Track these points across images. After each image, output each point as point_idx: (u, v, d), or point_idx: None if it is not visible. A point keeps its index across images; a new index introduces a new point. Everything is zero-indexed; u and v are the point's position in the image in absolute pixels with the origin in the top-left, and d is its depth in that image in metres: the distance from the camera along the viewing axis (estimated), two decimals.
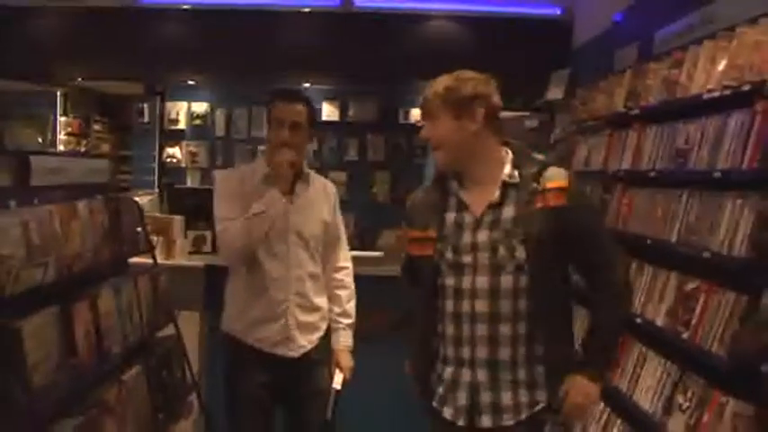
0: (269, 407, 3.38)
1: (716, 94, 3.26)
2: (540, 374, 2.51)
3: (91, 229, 2.82)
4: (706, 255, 3.14)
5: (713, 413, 3.04)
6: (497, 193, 2.53)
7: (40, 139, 8.42)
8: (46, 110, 8.74)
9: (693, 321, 3.19)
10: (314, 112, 3.42)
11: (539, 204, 2.46)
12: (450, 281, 2.53)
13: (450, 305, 2.54)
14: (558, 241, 2.45)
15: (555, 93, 6.67)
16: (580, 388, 2.47)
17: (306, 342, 3.31)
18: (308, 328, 3.34)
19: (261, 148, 9.35)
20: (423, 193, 2.73)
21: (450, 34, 8.03)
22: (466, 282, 2.51)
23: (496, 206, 2.52)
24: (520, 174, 2.53)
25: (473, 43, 7.91)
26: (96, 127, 9.30)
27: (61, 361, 2.33)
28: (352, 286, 3.56)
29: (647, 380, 3.52)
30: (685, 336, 3.18)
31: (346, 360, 3.42)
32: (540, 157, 2.71)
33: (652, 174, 3.84)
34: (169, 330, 3.54)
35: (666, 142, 3.74)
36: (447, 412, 2.55)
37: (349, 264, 3.59)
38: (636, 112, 4.21)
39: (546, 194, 2.47)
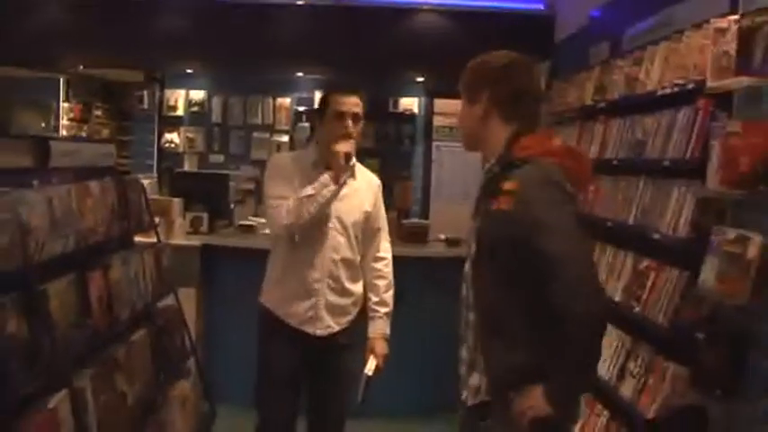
0: (296, 381, 3.49)
1: (667, 90, 3.59)
2: None
3: (102, 207, 3.11)
4: (656, 236, 3.46)
5: (657, 377, 3.38)
6: (482, 185, 2.44)
7: (43, 124, 8.62)
8: (49, 96, 8.91)
9: (644, 296, 3.52)
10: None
11: (494, 205, 2.28)
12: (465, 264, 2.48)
13: (462, 287, 2.48)
14: (504, 246, 2.26)
15: None
16: (528, 398, 2.21)
17: (334, 323, 3.41)
18: (337, 310, 3.44)
19: (256, 135, 9.61)
20: None
21: (437, 27, 8.17)
22: (466, 266, 2.46)
23: (482, 197, 2.41)
24: (494, 168, 2.37)
25: (459, 36, 8.03)
26: (97, 113, 9.49)
27: (78, 320, 2.64)
28: (391, 277, 3.63)
29: (606, 350, 3.72)
30: (637, 309, 3.49)
31: (381, 347, 3.49)
32: (528, 151, 2.33)
33: (615, 162, 4.14)
34: (170, 301, 3.85)
35: (627, 134, 4.04)
36: None
37: (389, 255, 3.65)
38: (602, 105, 4.53)
39: (499, 197, 2.26)
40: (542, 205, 2.16)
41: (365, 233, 3.55)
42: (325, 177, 3.28)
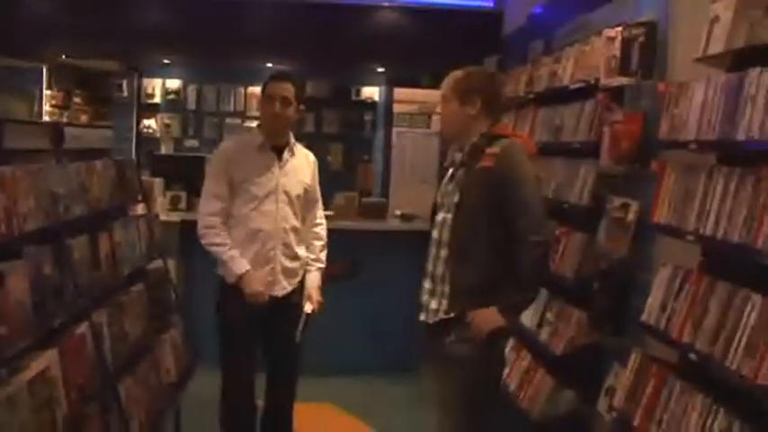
0: (253, 335, 3.81)
1: (577, 86, 4.28)
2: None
3: (105, 182, 3.66)
4: (566, 206, 4.16)
5: (565, 321, 4.08)
6: (464, 156, 3.15)
7: (26, 111, 8.97)
8: (33, 84, 9.10)
9: (557, 257, 4.22)
10: (300, 91, 3.80)
11: (478, 165, 3.04)
12: (437, 216, 3.20)
13: (434, 233, 3.19)
14: (481, 194, 3.00)
15: None
16: (485, 314, 2.96)
17: (288, 285, 3.78)
18: (290, 272, 3.80)
19: (228, 120, 10.11)
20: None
21: (396, 23, 8.53)
22: (440, 215, 3.17)
23: (462, 165, 3.15)
24: (480, 142, 3.09)
25: (416, 31, 8.42)
26: (76, 100, 9.69)
27: (91, 272, 3.24)
28: (325, 238, 4.02)
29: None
30: (552, 268, 4.14)
31: (317, 295, 3.86)
32: (502, 131, 3.19)
33: (539, 145, 4.81)
34: (159, 264, 4.43)
35: (549, 121, 4.72)
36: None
37: (323, 220, 4.05)
38: (531, 96, 5.16)
39: (484, 159, 3.03)
40: (516, 165, 3.00)
41: (305, 203, 3.90)
42: (241, 268, 3.63)
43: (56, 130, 3.51)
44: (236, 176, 3.72)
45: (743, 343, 2.38)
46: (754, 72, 2.51)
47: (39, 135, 3.37)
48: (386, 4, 8.50)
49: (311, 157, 4.02)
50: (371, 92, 10.30)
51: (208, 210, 3.74)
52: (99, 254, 3.36)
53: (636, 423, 2.95)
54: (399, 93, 9.68)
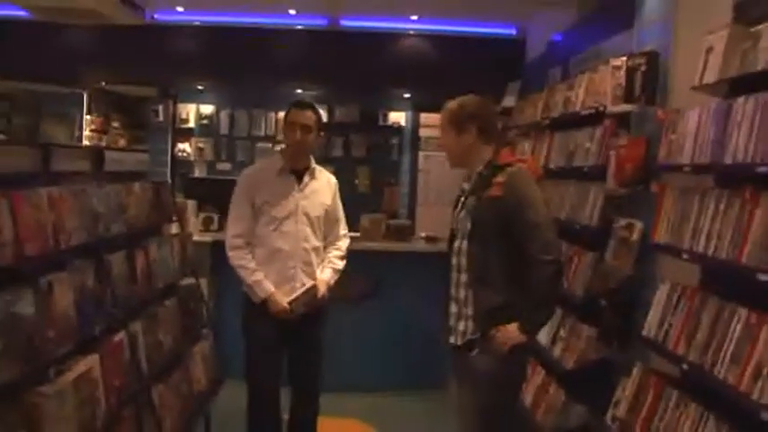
0: (278, 350, 3.96)
1: (587, 112, 4.47)
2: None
3: (142, 202, 3.92)
4: (577, 227, 4.35)
5: (576, 337, 4.25)
6: (472, 185, 3.27)
7: (67, 135, 9.34)
8: (74, 109, 9.50)
9: (570, 276, 4.40)
10: (321, 118, 4.03)
11: (486, 194, 3.16)
12: (454, 243, 3.31)
13: (452, 260, 3.32)
14: (492, 221, 3.11)
15: (509, 101, 7.59)
16: (506, 331, 3.10)
17: None
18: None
19: (259, 145, 10.39)
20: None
21: (422, 50, 8.88)
22: (457, 243, 3.29)
23: (471, 193, 3.26)
24: (486, 172, 3.20)
25: (441, 58, 8.78)
26: (114, 124, 10.09)
27: (128, 286, 3.48)
28: (344, 251, 4.15)
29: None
30: (567, 287, 4.33)
31: (323, 287, 3.95)
32: (508, 159, 3.25)
33: (554, 168, 4.97)
34: (191, 281, 4.66)
35: (563, 146, 4.90)
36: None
37: (346, 237, 4.20)
38: (547, 122, 5.35)
39: (492, 187, 3.14)
40: (524, 191, 3.12)
41: (326, 223, 4.06)
42: (264, 292, 3.82)
43: (97, 153, 3.73)
44: (258, 199, 3.92)
45: (729, 353, 2.56)
46: (740, 100, 2.70)
47: (81, 158, 3.58)
48: (412, 31, 8.77)
49: (332, 179, 4.19)
50: (398, 117, 10.50)
51: (233, 232, 3.96)
52: (135, 269, 3.59)
53: (637, 431, 3.12)
54: (425, 117, 10.10)
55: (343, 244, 4.20)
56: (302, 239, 3.96)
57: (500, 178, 3.14)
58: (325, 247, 4.11)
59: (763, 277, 2.36)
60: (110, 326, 3.14)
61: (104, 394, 2.86)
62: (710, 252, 2.76)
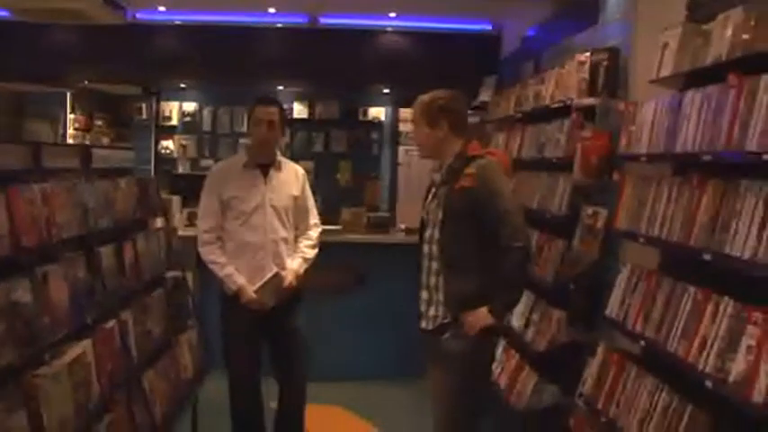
0: (255, 340, 4.08)
1: (555, 105, 4.66)
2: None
3: (129, 198, 4.06)
4: (548, 215, 4.54)
5: (547, 321, 4.45)
6: (443, 176, 3.40)
7: (51, 133, 9.44)
8: (57, 108, 9.59)
9: (541, 262, 4.59)
10: (284, 114, 4.13)
11: (457, 185, 3.29)
12: (425, 232, 3.46)
13: (423, 248, 3.46)
14: (463, 210, 3.25)
15: (485, 95, 7.67)
16: (477, 315, 3.23)
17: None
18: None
19: (242, 141, 10.47)
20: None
21: (400, 46, 8.96)
22: (428, 232, 3.42)
23: (442, 184, 3.39)
24: (456, 164, 3.33)
25: (420, 54, 8.87)
26: (98, 123, 10.19)
27: (117, 277, 3.63)
28: (315, 239, 4.24)
29: (519, 307, 4.66)
30: (536, 272, 4.51)
31: (290, 276, 4.04)
32: (477, 151, 3.39)
33: (526, 160, 5.18)
34: (176, 273, 4.81)
35: (535, 138, 5.09)
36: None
37: (316, 224, 4.29)
38: (519, 115, 5.55)
39: (463, 178, 3.27)
40: (494, 182, 3.27)
41: (296, 213, 4.17)
42: (234, 284, 3.96)
43: (85, 151, 3.89)
44: (225, 194, 4.04)
45: (680, 328, 2.76)
46: (689, 93, 2.90)
47: (70, 156, 3.74)
48: (390, 28, 8.88)
49: (300, 170, 4.29)
50: (378, 112, 10.67)
51: (203, 227, 4.11)
52: (124, 261, 3.74)
53: (600, 406, 3.32)
54: (404, 113, 10.20)
55: (314, 233, 4.29)
56: (270, 231, 4.06)
57: (471, 169, 3.27)
58: (296, 238, 4.21)
59: (707, 257, 2.56)
60: (101, 314, 3.30)
61: (97, 378, 3.02)
62: (664, 236, 2.96)
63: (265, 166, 4.12)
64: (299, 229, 4.24)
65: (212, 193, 4.10)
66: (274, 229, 4.08)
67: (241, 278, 4.00)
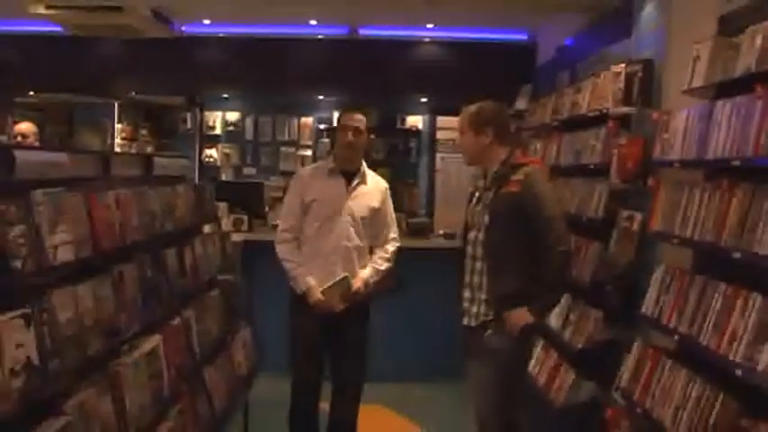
0: (318, 344, 4.18)
1: (592, 114, 4.85)
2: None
3: (187, 203, 4.32)
4: (584, 219, 4.71)
5: (585, 320, 4.62)
6: (488, 182, 3.63)
7: (99, 142, 9.78)
8: (105, 118, 9.93)
9: (578, 264, 4.77)
10: (368, 122, 4.25)
11: (503, 190, 3.53)
12: (468, 234, 3.71)
13: (468, 249, 3.71)
14: (509, 214, 3.48)
15: (521, 103, 7.95)
16: (518, 314, 3.48)
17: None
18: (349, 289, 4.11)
19: (283, 149, 10.68)
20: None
21: (438, 56, 9.22)
22: (473, 234, 3.67)
23: (488, 189, 3.62)
24: (503, 170, 3.57)
25: (457, 63, 9.12)
26: (143, 132, 10.51)
27: (179, 278, 3.87)
28: (390, 253, 4.30)
29: (558, 308, 4.92)
30: (576, 274, 4.70)
31: (359, 282, 4.14)
32: (522, 160, 3.66)
33: (563, 166, 5.38)
34: (229, 276, 5.05)
35: (571, 145, 5.29)
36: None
37: (395, 239, 4.35)
38: (556, 123, 5.74)
39: (509, 184, 3.51)
40: (539, 188, 3.51)
41: (374, 225, 4.23)
42: (304, 285, 4.07)
43: (147, 160, 4.14)
44: (307, 197, 4.15)
45: (712, 323, 2.94)
46: (720, 103, 3.08)
47: (135, 164, 4.00)
48: (428, 39, 9.11)
49: (383, 183, 4.38)
50: (416, 120, 10.81)
51: (283, 226, 4.24)
52: (185, 263, 3.97)
53: (636, 397, 3.50)
54: (442, 121, 10.39)
55: (391, 247, 4.34)
56: (344, 238, 4.14)
57: (518, 176, 3.50)
58: (372, 249, 4.28)
59: (737, 255, 2.74)
60: (167, 312, 3.55)
61: (167, 369, 3.26)
62: (696, 236, 3.14)
63: (350, 175, 4.21)
64: (378, 240, 4.31)
65: (296, 194, 4.22)
66: (349, 236, 4.16)
67: (311, 280, 4.10)
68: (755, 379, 2.55)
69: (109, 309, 2.79)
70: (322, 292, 4.10)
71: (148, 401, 2.98)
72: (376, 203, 4.27)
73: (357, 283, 4.15)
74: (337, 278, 4.11)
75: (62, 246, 2.49)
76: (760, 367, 2.54)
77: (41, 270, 2.34)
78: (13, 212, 2.23)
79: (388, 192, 4.40)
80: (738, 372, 2.63)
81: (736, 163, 2.83)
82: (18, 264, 2.20)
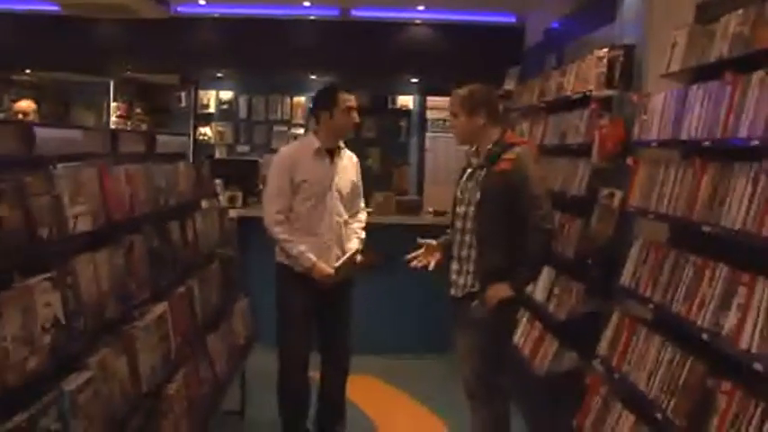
0: (311, 316, 4.33)
1: (576, 96, 5.04)
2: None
3: (187, 180, 4.49)
4: (568, 197, 4.91)
5: (568, 293, 4.84)
6: (481, 160, 3.81)
7: (95, 120, 9.93)
8: (101, 97, 10.12)
9: (562, 240, 4.97)
10: None
11: (495, 168, 3.72)
12: (458, 208, 3.90)
13: (457, 223, 3.90)
14: (500, 191, 3.67)
15: (509, 84, 8.08)
16: (498, 288, 3.70)
17: None
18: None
19: (276, 128, 10.87)
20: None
21: (428, 37, 9.35)
22: (462, 209, 3.86)
23: (480, 167, 3.82)
24: (496, 149, 3.76)
25: (447, 44, 9.25)
26: (137, 110, 10.69)
27: (182, 250, 4.07)
28: (364, 222, 4.53)
29: (540, 283, 5.14)
30: (560, 249, 4.90)
31: (358, 254, 4.38)
32: (513, 140, 3.87)
33: (549, 147, 5.56)
34: (229, 249, 5.24)
35: (557, 126, 5.49)
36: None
37: (363, 208, 4.60)
38: (543, 105, 5.91)
39: (501, 162, 3.71)
40: (529, 168, 3.72)
41: (352, 197, 4.42)
42: (309, 261, 4.16)
43: (150, 137, 4.31)
44: (297, 177, 4.21)
45: (683, 291, 3.16)
46: (694, 87, 3.29)
47: (139, 141, 4.18)
48: (418, 20, 9.22)
49: (354, 157, 4.54)
50: (406, 100, 11.02)
51: (275, 207, 4.26)
52: (187, 236, 4.16)
53: (614, 364, 3.72)
54: (432, 101, 10.59)
55: (363, 216, 4.57)
56: (336, 214, 4.29)
57: (509, 155, 3.71)
58: (346, 220, 4.44)
59: (707, 229, 2.96)
60: (173, 281, 3.75)
61: (173, 335, 3.47)
62: (671, 212, 3.35)
63: (331, 152, 4.33)
64: (352, 211, 4.48)
65: (284, 175, 4.25)
66: (339, 212, 4.32)
67: (313, 255, 4.22)
68: (720, 342, 2.77)
69: (122, 276, 2.99)
70: (336, 269, 4.23)
71: (158, 363, 3.19)
72: (354, 177, 4.44)
73: (359, 256, 4.36)
74: (348, 253, 4.30)
75: (81, 216, 2.68)
76: (724, 332, 2.76)
77: (64, 238, 2.54)
78: (36, 185, 2.41)
79: (359, 164, 4.57)
80: (705, 336, 2.85)
81: (707, 144, 3.04)
82: (44, 232, 2.39)
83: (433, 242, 4.08)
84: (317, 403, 4.61)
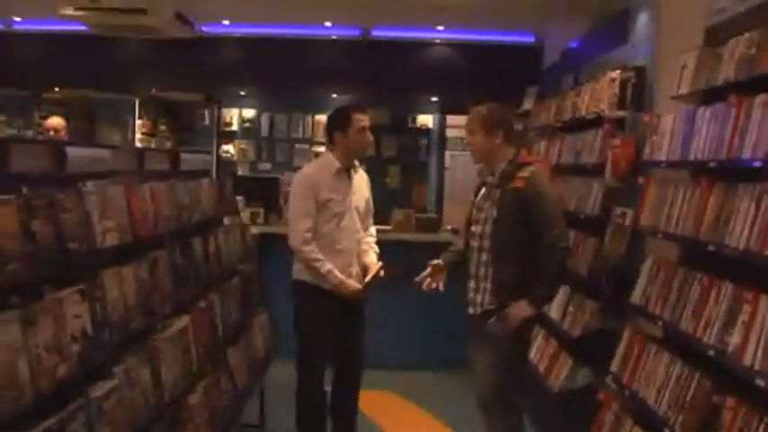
0: (331, 331, 4.39)
1: (590, 116, 5.12)
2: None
3: (210, 196, 4.61)
4: (582, 216, 4.99)
5: (582, 311, 4.90)
6: (496, 180, 3.89)
7: (120, 137, 10.09)
8: (126, 114, 10.26)
9: (576, 258, 5.05)
10: None
11: (509, 186, 3.81)
12: (473, 227, 3.97)
13: (473, 242, 3.96)
14: (514, 209, 3.76)
15: (528, 104, 8.20)
16: (520, 307, 3.79)
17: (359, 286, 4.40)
18: (359, 277, 4.44)
19: (298, 146, 10.98)
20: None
21: (448, 57, 9.49)
22: (478, 227, 3.93)
23: (496, 187, 3.89)
24: (510, 168, 3.85)
25: (466, 64, 9.40)
26: (161, 128, 10.81)
27: (204, 265, 4.19)
28: (374, 236, 4.62)
29: (555, 301, 5.07)
30: (574, 267, 4.93)
31: (374, 265, 4.43)
32: (527, 159, 3.96)
33: (565, 165, 5.64)
34: (249, 265, 5.36)
35: (571, 146, 5.57)
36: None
37: (372, 223, 4.65)
38: (559, 125, 5.99)
39: (515, 181, 3.80)
40: (542, 186, 3.82)
41: (366, 214, 4.51)
42: (336, 279, 4.25)
43: (175, 155, 4.44)
44: (321, 196, 4.27)
45: (690, 310, 3.23)
46: (701, 109, 3.37)
47: (164, 159, 4.31)
48: (438, 40, 9.36)
49: (364, 173, 4.63)
50: (426, 119, 11.10)
51: (303, 227, 4.29)
52: (209, 252, 4.28)
53: (625, 380, 3.79)
54: (451, 120, 10.72)
55: (373, 230, 4.67)
56: (355, 232, 4.39)
57: (523, 173, 3.80)
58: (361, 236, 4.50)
59: (712, 248, 3.03)
60: (194, 295, 3.86)
61: (195, 348, 3.58)
62: (679, 231, 3.43)
63: (347, 170, 4.42)
64: (365, 226, 4.57)
65: (309, 194, 4.29)
66: (357, 229, 4.42)
67: (339, 273, 4.31)
68: (725, 359, 2.84)
69: (146, 289, 3.11)
70: (365, 285, 4.37)
71: (180, 374, 3.30)
72: (367, 193, 4.54)
73: (382, 271, 4.45)
74: (375, 270, 4.42)
75: (109, 232, 2.81)
76: (729, 349, 2.83)
77: (92, 252, 2.67)
78: (67, 202, 2.54)
79: (369, 181, 4.66)
80: (711, 353, 2.92)
81: (713, 164, 3.12)
82: (74, 247, 2.52)
83: (440, 262, 4.17)
84: (329, 417, 4.68)
